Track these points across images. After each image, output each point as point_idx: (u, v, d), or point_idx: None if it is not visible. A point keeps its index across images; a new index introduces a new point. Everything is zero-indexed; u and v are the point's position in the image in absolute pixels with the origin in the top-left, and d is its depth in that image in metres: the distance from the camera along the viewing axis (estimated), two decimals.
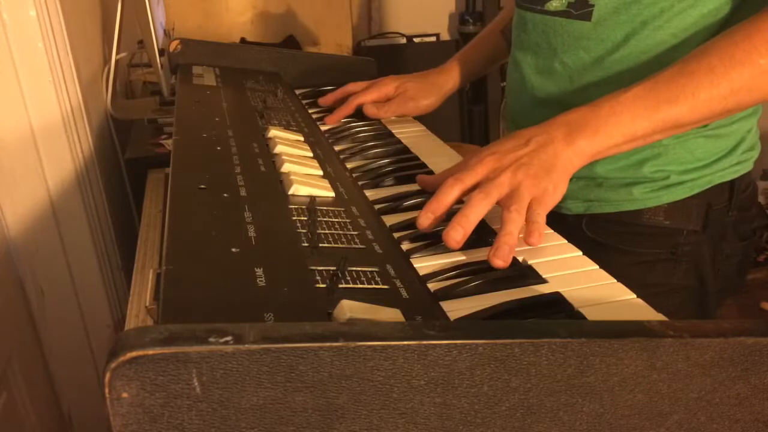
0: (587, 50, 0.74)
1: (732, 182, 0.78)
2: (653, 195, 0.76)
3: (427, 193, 0.68)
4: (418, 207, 0.66)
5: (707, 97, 0.60)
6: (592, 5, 0.72)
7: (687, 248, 0.78)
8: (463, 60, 1.02)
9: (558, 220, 0.64)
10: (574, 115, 0.62)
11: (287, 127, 0.84)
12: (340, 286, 0.47)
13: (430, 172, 0.75)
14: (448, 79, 1.01)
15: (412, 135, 0.90)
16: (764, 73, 0.60)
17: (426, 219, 0.58)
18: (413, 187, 0.70)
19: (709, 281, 0.80)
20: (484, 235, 0.59)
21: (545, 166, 0.58)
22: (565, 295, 0.49)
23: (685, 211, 0.77)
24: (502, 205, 0.57)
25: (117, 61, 1.43)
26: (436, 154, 0.82)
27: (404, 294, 0.48)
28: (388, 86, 0.98)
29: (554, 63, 0.77)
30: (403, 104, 0.96)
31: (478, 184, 0.58)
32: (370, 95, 0.97)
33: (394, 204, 0.67)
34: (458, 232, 0.55)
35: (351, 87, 1.00)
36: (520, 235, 0.56)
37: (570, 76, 0.76)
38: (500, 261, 0.53)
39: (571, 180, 0.81)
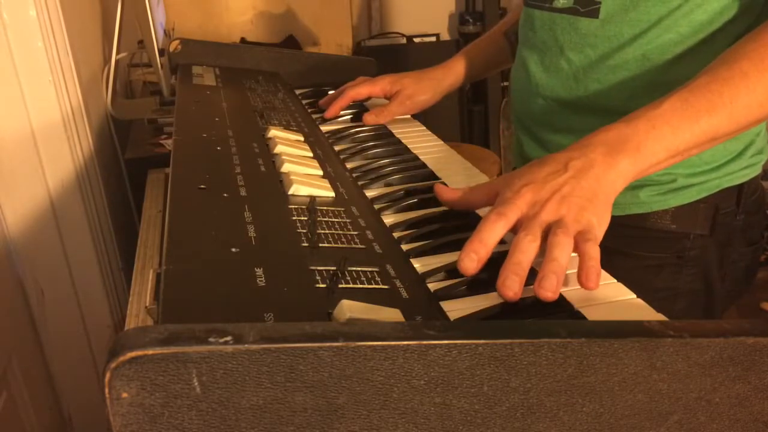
0: (594, 48, 0.73)
1: (741, 186, 0.76)
2: (660, 198, 0.75)
3: (424, 192, 0.68)
4: (419, 207, 0.66)
5: (745, 103, 0.57)
6: (599, 2, 0.72)
7: (694, 252, 0.76)
8: (463, 58, 1.01)
9: None
10: (611, 133, 0.56)
11: (287, 127, 0.84)
12: (340, 286, 0.47)
13: (430, 172, 0.76)
14: (447, 74, 0.99)
15: (412, 135, 0.90)
16: None
17: (470, 262, 0.49)
18: (413, 187, 0.70)
19: (715, 286, 0.79)
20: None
21: (587, 195, 0.52)
22: (565, 295, 0.49)
23: (693, 215, 0.75)
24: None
25: (117, 61, 1.43)
26: (436, 153, 0.82)
27: (404, 294, 0.48)
28: (384, 80, 0.97)
29: (560, 61, 0.77)
30: (400, 104, 0.95)
31: (519, 220, 0.52)
32: (365, 88, 0.97)
33: (394, 204, 0.67)
34: (515, 282, 0.46)
35: (348, 86, 1.00)
36: (571, 272, 0.50)
37: (575, 74, 0.76)
38: (548, 293, 0.45)
39: None
